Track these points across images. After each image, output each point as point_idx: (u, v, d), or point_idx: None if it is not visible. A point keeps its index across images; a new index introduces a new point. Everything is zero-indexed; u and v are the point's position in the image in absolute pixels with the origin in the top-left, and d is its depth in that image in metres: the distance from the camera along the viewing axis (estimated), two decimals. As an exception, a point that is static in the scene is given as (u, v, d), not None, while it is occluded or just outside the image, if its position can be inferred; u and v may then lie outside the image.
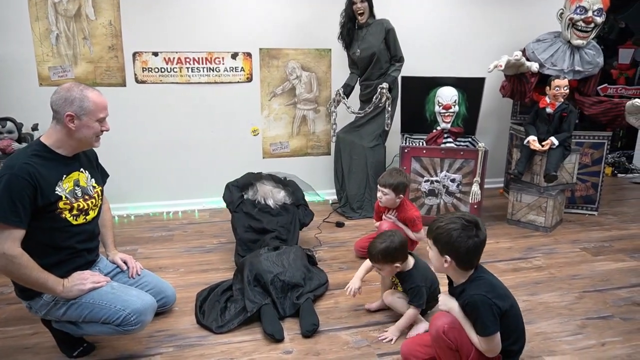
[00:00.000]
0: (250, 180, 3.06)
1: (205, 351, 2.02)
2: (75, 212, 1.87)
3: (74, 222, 1.87)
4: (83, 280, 1.86)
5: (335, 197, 3.98)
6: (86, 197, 1.92)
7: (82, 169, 1.95)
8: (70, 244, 1.86)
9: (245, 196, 2.98)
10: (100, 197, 2.03)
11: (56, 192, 1.79)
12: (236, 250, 2.81)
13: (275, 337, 2.06)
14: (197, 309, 2.31)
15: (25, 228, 1.71)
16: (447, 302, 1.71)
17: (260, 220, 2.82)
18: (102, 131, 1.90)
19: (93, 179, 2.00)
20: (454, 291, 1.71)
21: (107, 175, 2.19)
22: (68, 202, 1.83)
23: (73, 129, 1.80)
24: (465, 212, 1.76)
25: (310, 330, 2.10)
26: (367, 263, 2.21)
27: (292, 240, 2.82)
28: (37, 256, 1.75)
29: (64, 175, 1.84)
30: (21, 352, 2.00)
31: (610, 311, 2.32)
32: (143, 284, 2.15)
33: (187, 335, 2.13)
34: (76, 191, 1.88)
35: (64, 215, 1.82)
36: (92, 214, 1.96)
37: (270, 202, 2.92)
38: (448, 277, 1.76)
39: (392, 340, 2.07)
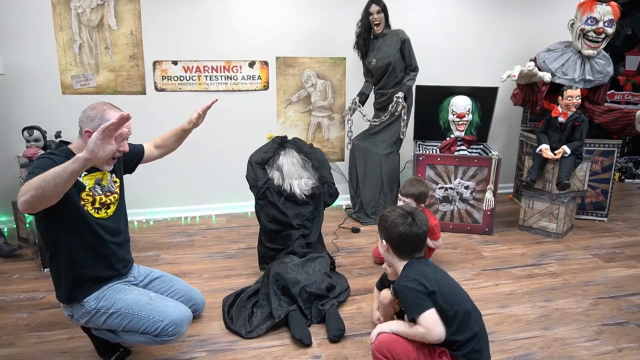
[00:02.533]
0: (274, 152, 2.87)
1: (237, 356, 2.09)
2: (97, 205, 1.93)
3: (96, 215, 1.92)
4: (93, 136, 1.55)
5: (349, 202, 4.06)
6: (108, 193, 1.99)
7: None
8: (98, 236, 1.91)
9: (269, 174, 2.81)
10: (121, 189, 2.10)
11: (80, 180, 1.85)
12: (260, 241, 2.81)
13: (303, 342, 2.13)
14: (225, 314, 2.38)
15: None
16: (376, 330, 1.76)
17: (285, 213, 2.74)
18: (119, 151, 1.93)
19: (114, 174, 2.06)
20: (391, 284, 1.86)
21: (142, 148, 2.27)
22: (90, 193, 1.90)
23: None
24: (413, 207, 1.87)
25: (337, 336, 2.18)
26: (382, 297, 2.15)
27: (316, 228, 2.83)
28: (76, 254, 1.86)
29: (84, 173, 1.89)
30: (59, 356, 2.08)
31: (625, 317, 2.39)
32: (174, 291, 2.22)
33: (218, 340, 2.21)
34: (96, 188, 1.94)
35: (86, 208, 1.88)
36: (112, 208, 2.01)
37: (297, 191, 2.78)
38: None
39: None
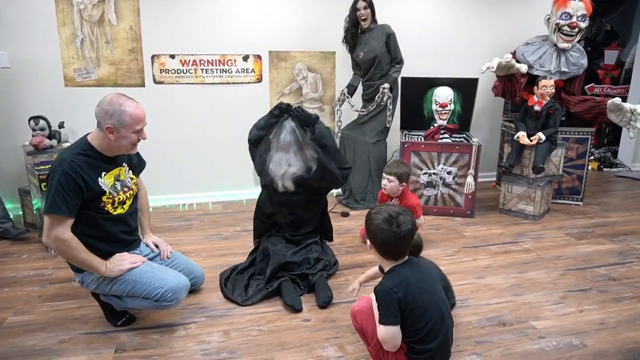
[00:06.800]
0: (270, 129, 2.70)
1: (234, 320, 2.29)
2: (116, 204, 2.13)
3: (114, 212, 2.12)
4: (122, 261, 2.12)
5: (339, 190, 4.26)
6: (125, 189, 2.18)
7: (123, 164, 2.21)
8: (112, 227, 2.12)
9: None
10: (136, 186, 2.30)
11: (101, 186, 2.05)
12: (256, 214, 2.90)
13: (295, 308, 2.33)
14: (223, 286, 2.58)
15: (74, 217, 1.99)
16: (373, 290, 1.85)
17: (273, 201, 2.75)
18: (139, 140, 2.13)
19: (131, 171, 2.26)
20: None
21: (145, 163, 2.44)
22: (110, 196, 2.09)
23: (112, 139, 2.04)
24: (398, 206, 1.77)
25: (325, 302, 2.38)
26: (370, 272, 2.24)
27: (311, 213, 2.83)
28: (90, 238, 2.04)
29: (104, 172, 2.08)
30: (72, 322, 2.26)
31: (589, 285, 2.62)
32: (175, 265, 2.42)
33: (217, 308, 2.40)
34: (116, 185, 2.13)
35: (106, 209, 2.09)
36: (128, 203, 2.22)
37: (280, 188, 2.64)
38: None
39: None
